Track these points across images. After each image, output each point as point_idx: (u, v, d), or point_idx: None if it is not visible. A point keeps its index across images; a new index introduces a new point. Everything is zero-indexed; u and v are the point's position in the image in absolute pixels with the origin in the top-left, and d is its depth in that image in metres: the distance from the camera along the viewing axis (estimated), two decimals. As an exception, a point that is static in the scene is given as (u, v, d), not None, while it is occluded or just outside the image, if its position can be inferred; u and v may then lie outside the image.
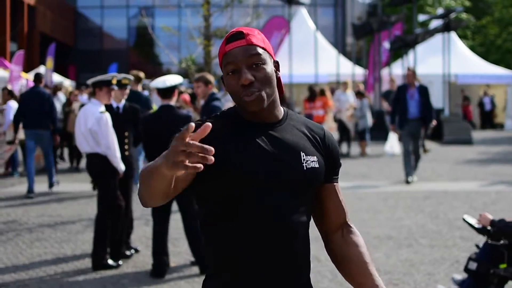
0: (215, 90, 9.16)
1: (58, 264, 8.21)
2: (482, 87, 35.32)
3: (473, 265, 6.08)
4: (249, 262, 2.61)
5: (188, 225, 7.88)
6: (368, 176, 15.79)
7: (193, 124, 2.16)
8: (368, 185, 14.31)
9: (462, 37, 42.72)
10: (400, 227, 10.00)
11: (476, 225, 6.17)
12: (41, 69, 31.60)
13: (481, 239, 7.10)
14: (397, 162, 18.29)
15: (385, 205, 11.82)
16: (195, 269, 7.94)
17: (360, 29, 29.46)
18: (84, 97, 19.65)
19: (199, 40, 14.39)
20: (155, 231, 7.84)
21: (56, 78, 28.11)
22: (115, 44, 53.47)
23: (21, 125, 13.83)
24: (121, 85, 8.43)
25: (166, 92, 7.86)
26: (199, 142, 2.23)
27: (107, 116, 8.03)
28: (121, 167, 8.10)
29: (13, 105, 16.02)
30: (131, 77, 8.83)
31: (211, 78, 8.85)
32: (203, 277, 5.96)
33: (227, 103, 16.98)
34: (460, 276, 6.57)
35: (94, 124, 7.96)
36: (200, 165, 2.18)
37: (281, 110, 2.77)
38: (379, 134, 23.82)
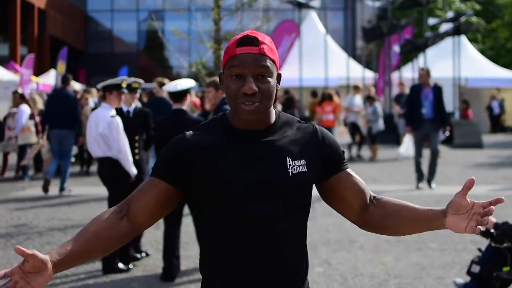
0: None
1: (69, 267, 8.22)
2: (492, 91, 35.21)
3: (476, 268, 6.07)
4: (238, 271, 2.61)
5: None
6: (379, 180, 15.76)
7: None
8: (379, 189, 14.27)
9: (472, 40, 42.63)
10: (410, 231, 9.97)
11: None
12: (52, 73, 31.75)
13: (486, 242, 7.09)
14: (408, 166, 18.27)
15: (395, 209, 11.78)
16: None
17: (370, 33, 29.46)
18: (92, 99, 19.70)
19: (209, 44, 14.41)
20: (166, 234, 7.85)
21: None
22: (125, 47, 53.54)
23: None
24: (131, 88, 8.44)
25: (177, 96, 7.87)
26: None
27: (118, 120, 8.04)
28: (133, 170, 8.12)
29: (26, 109, 16.12)
30: (141, 81, 8.84)
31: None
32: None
33: None
34: (462, 279, 6.56)
35: (105, 128, 7.97)
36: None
37: (272, 115, 2.73)
38: (388, 137, 23.78)
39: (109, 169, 8.09)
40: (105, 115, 8.04)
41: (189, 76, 30.00)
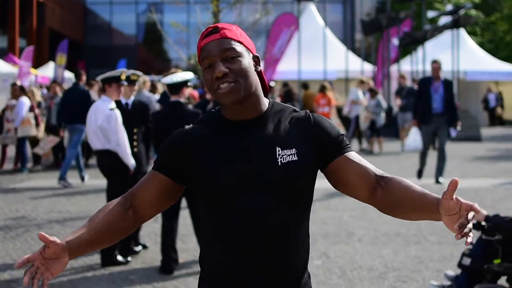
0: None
1: (67, 260, 8.22)
2: (490, 84, 35.22)
3: (467, 261, 6.09)
4: (233, 265, 2.60)
5: (197, 221, 7.89)
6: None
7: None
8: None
9: (471, 33, 42.62)
10: (408, 224, 9.99)
11: None
12: (50, 65, 31.77)
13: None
14: (406, 159, 18.29)
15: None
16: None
17: (369, 26, 29.45)
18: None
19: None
20: (164, 227, 7.85)
21: (65, 74, 28.14)
22: (124, 40, 53.54)
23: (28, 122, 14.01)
24: (130, 81, 8.43)
25: (174, 88, 7.86)
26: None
27: (117, 113, 8.03)
28: (132, 163, 8.11)
29: (26, 101, 16.13)
30: (140, 73, 8.83)
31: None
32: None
33: None
34: (453, 272, 6.58)
35: (104, 121, 7.97)
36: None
37: (264, 104, 2.71)
38: (387, 131, 23.76)
39: (108, 162, 8.10)
40: (104, 108, 8.04)
41: (188, 69, 29.98)
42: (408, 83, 22.15)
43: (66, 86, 20.58)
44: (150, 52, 55.73)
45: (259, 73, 2.74)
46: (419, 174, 14.08)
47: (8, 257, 8.36)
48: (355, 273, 7.54)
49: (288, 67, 29.62)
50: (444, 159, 13.79)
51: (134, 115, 8.51)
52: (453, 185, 2.47)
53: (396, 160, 18.47)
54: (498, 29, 46.08)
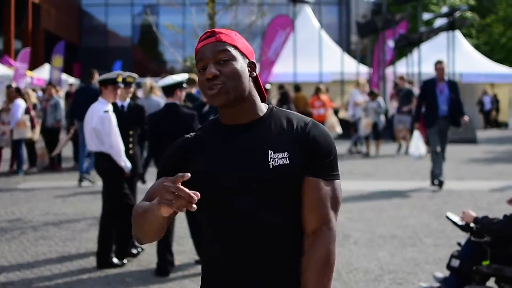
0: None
1: (63, 262, 8.22)
2: (486, 86, 35.25)
3: (455, 263, 6.10)
4: (228, 267, 2.64)
5: (193, 223, 7.89)
6: (373, 175, 15.77)
7: (188, 174, 2.36)
8: (373, 184, 14.29)
9: (467, 35, 42.66)
10: (404, 226, 10.00)
11: (459, 223, 6.20)
12: (46, 67, 31.70)
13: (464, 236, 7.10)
14: (402, 161, 18.30)
15: (390, 204, 11.81)
16: (200, 268, 7.92)
17: (364, 28, 29.42)
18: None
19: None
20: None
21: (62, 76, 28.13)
22: (119, 42, 53.50)
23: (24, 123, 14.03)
24: (125, 83, 8.43)
25: (168, 90, 7.88)
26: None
27: (112, 115, 8.02)
28: (127, 165, 8.10)
29: (21, 103, 16.12)
30: (136, 76, 8.82)
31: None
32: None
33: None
34: (441, 274, 6.58)
35: (98, 123, 7.97)
36: (184, 208, 2.36)
37: (261, 110, 2.74)
38: (384, 133, 23.72)
39: (104, 163, 8.10)
40: (99, 110, 8.04)
41: (183, 71, 29.99)
42: (407, 85, 22.11)
43: (64, 88, 20.60)
44: (146, 54, 55.71)
45: (256, 79, 2.77)
46: (433, 177, 13.46)
47: (3, 259, 8.34)
48: (350, 276, 7.54)
49: (284, 70, 29.60)
50: (443, 161, 13.52)
51: (130, 118, 8.51)
52: None
53: (392, 162, 18.47)
54: (493, 31, 46.15)
